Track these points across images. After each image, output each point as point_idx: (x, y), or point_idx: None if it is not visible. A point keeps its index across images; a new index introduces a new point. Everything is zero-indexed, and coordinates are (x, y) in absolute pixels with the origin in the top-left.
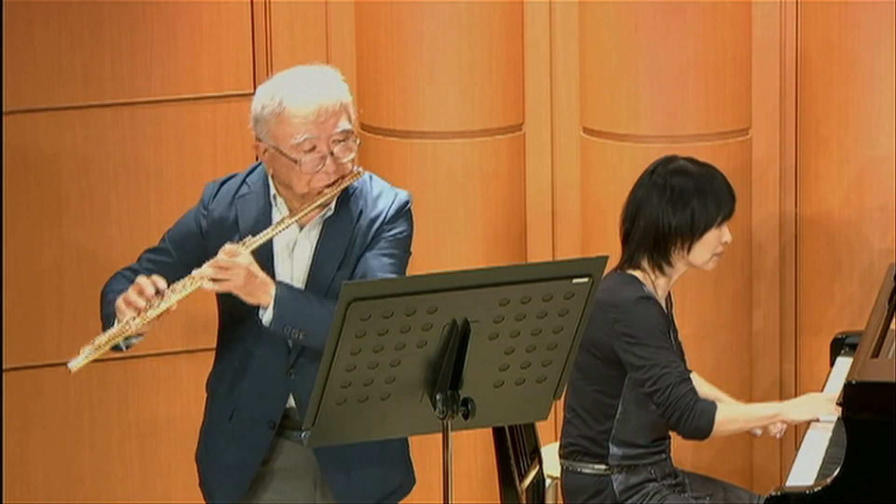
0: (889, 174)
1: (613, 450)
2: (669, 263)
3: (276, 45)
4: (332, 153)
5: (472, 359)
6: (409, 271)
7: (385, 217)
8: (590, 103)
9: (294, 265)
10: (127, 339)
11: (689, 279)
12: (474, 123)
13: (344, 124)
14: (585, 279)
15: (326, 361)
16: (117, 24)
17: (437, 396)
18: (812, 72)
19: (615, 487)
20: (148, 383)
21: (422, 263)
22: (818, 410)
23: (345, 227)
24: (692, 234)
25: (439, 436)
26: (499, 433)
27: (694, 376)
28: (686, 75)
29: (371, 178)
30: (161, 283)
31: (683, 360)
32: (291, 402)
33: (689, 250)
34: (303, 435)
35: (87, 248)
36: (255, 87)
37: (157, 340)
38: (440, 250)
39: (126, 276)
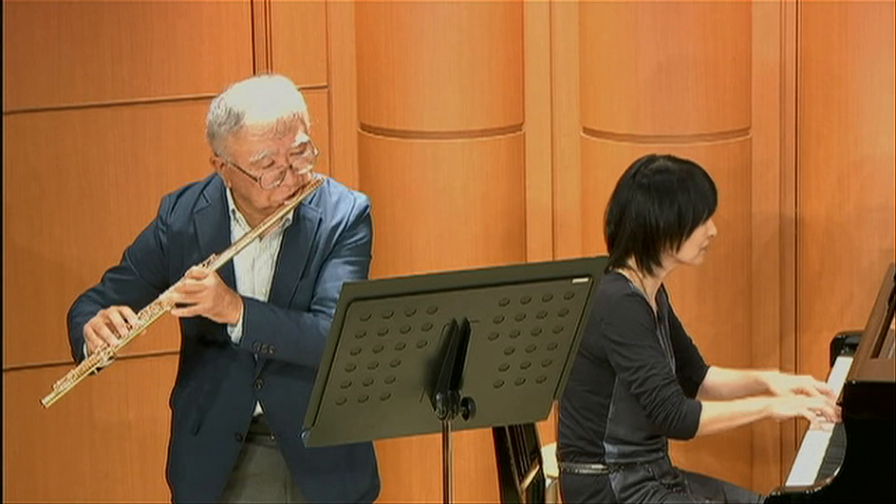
0: (889, 174)
1: (609, 448)
2: (659, 264)
3: (276, 45)
4: (290, 166)
5: (472, 359)
6: (410, 271)
7: (346, 224)
8: (590, 103)
9: (256, 276)
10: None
11: (689, 279)
12: (474, 123)
13: (301, 137)
14: (585, 279)
15: (326, 361)
16: (117, 24)
17: (437, 396)
18: (812, 72)
19: (613, 486)
20: (148, 383)
21: (422, 263)
22: (804, 404)
23: (305, 236)
24: (681, 231)
25: (439, 436)
26: (499, 433)
27: (714, 370)
28: (686, 75)
29: (329, 182)
30: (131, 316)
31: (694, 350)
32: (259, 409)
33: (678, 248)
34: (303, 435)
35: (88, 248)
36: None
37: (157, 340)
38: (440, 250)
39: (92, 298)
